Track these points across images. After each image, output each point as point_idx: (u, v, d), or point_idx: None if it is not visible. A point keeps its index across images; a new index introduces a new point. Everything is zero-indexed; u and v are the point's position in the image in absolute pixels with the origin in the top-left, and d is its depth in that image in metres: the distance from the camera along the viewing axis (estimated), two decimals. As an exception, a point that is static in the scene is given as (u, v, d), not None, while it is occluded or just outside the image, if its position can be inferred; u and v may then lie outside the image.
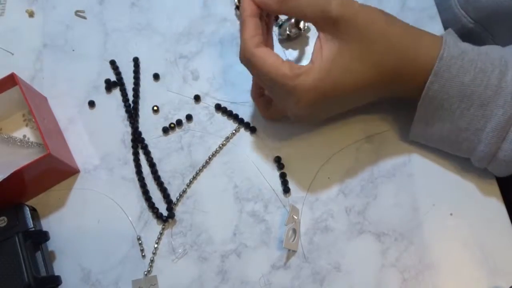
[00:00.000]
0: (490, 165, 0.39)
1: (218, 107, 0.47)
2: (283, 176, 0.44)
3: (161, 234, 0.43)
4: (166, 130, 0.47)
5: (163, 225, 0.43)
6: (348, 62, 0.37)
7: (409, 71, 0.37)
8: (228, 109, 0.47)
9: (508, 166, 0.38)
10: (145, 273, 0.42)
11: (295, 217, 0.42)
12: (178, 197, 0.44)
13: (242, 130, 0.46)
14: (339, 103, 0.40)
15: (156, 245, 0.43)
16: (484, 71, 0.36)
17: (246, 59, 0.38)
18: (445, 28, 0.48)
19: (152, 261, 0.42)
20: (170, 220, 0.43)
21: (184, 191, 0.44)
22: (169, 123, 0.47)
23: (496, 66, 0.36)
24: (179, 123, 0.47)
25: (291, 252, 0.42)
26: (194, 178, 0.45)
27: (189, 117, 0.47)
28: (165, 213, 0.43)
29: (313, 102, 0.37)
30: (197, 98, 0.48)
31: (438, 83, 0.37)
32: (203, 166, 0.45)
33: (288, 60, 0.40)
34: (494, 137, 0.37)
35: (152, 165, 0.45)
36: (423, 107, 0.39)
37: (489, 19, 0.47)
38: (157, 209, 0.43)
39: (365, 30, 0.36)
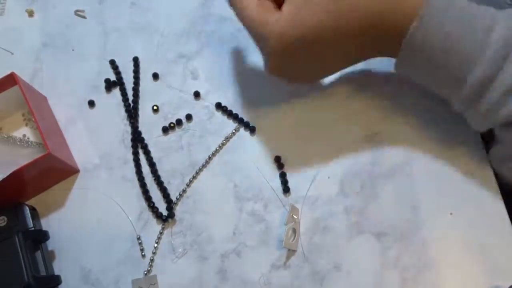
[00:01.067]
0: (484, 97, 0.35)
1: (219, 106, 0.47)
2: (282, 176, 0.44)
3: (161, 233, 0.43)
4: (166, 130, 0.47)
5: (163, 224, 0.43)
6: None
7: (391, 17, 0.36)
8: (228, 108, 0.47)
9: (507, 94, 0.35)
10: (145, 272, 0.42)
11: (295, 216, 0.42)
12: (178, 197, 0.44)
13: (242, 130, 0.46)
14: (314, 48, 0.38)
15: (156, 245, 0.43)
16: (476, 17, 0.35)
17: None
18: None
19: (152, 260, 0.42)
20: (170, 219, 0.43)
21: (184, 191, 0.44)
22: (169, 122, 0.47)
23: (488, 10, 0.35)
24: (179, 122, 0.47)
25: (290, 252, 0.42)
26: (194, 177, 0.45)
27: (189, 117, 0.47)
28: (165, 212, 0.43)
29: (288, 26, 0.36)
30: (196, 95, 0.48)
31: (422, 32, 0.36)
32: (203, 166, 0.45)
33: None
34: (499, 50, 0.34)
35: (152, 164, 0.45)
36: (404, 56, 0.38)
37: None
38: (157, 208, 0.43)
39: None
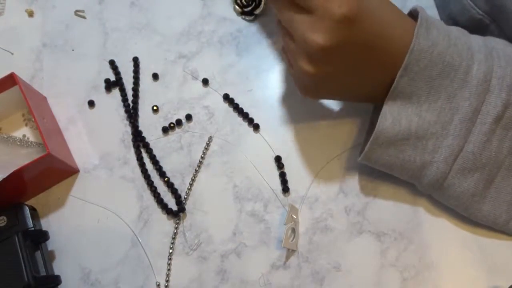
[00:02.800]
0: (456, 164, 0.38)
1: (226, 97, 0.47)
2: (282, 176, 0.44)
3: (176, 228, 0.43)
4: (165, 130, 0.47)
5: (177, 219, 0.43)
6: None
7: (386, 43, 0.37)
8: (235, 101, 0.47)
9: (474, 163, 0.38)
10: (167, 273, 0.42)
11: (294, 216, 0.42)
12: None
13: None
14: (360, 53, 0.37)
15: (172, 241, 0.43)
16: (451, 65, 0.37)
17: None
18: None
19: (170, 259, 0.42)
20: (181, 214, 0.43)
21: (185, 191, 0.44)
22: (169, 123, 0.47)
23: (463, 59, 0.37)
24: (178, 123, 0.47)
25: (290, 252, 0.42)
26: (194, 178, 0.45)
27: (188, 117, 0.47)
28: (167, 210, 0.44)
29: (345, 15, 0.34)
30: (205, 82, 0.48)
31: (408, 76, 0.37)
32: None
33: None
34: (462, 129, 0.37)
35: (155, 162, 0.45)
36: (390, 102, 0.38)
37: (497, 11, 0.47)
38: (167, 204, 0.44)
39: None
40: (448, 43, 0.37)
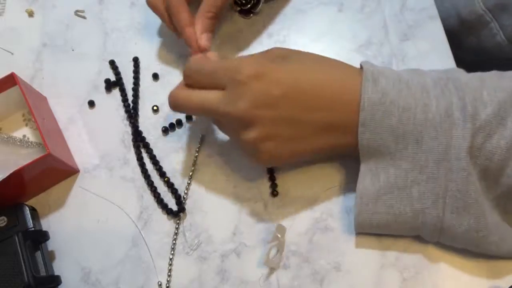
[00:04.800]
0: (447, 205, 0.36)
1: None
2: (271, 172, 0.44)
3: (177, 228, 0.43)
4: (165, 130, 0.47)
5: (177, 220, 0.43)
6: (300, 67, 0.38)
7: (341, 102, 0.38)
8: None
9: (464, 200, 0.36)
10: (168, 273, 0.42)
11: (278, 235, 0.41)
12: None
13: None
14: (298, 110, 0.37)
15: (174, 241, 0.43)
16: (407, 109, 0.36)
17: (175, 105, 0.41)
18: (447, 26, 0.48)
19: (171, 259, 0.42)
20: (181, 214, 0.43)
21: (184, 191, 0.44)
22: (169, 123, 0.47)
23: (418, 99, 0.36)
24: (178, 123, 0.47)
25: (271, 270, 0.41)
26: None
27: (188, 117, 0.47)
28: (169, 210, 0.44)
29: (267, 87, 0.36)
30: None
31: (368, 131, 0.37)
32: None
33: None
34: (439, 169, 0.36)
35: (155, 162, 0.45)
36: (365, 159, 0.38)
37: (501, 8, 0.47)
38: (167, 204, 0.44)
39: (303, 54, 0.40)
40: (399, 88, 0.36)
